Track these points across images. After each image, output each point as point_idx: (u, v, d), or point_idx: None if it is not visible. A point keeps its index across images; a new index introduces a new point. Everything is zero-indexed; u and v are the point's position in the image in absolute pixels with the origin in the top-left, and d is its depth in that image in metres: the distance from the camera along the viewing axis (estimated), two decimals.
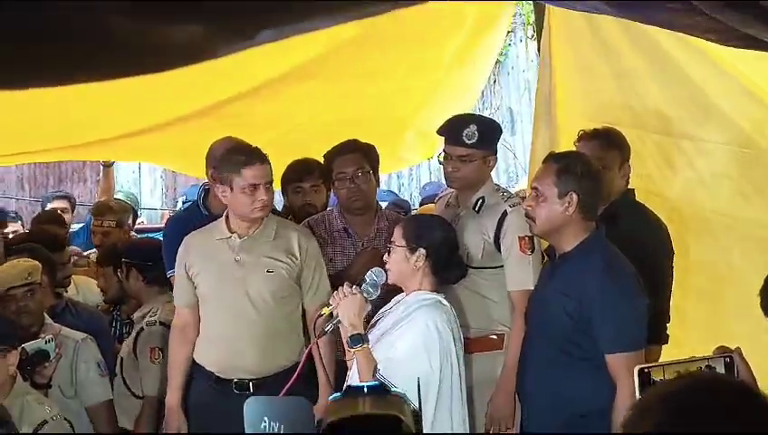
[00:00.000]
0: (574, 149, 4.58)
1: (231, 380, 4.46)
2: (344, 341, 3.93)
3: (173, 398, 4.59)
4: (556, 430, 3.96)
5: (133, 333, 5.06)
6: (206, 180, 4.97)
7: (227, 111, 5.93)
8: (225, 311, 4.47)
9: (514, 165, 9.79)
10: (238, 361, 4.46)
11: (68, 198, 7.85)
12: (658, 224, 4.64)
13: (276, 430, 1.91)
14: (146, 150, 7.08)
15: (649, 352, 4.20)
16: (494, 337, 4.49)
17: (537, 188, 4.02)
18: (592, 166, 4.07)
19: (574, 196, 3.95)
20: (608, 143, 4.62)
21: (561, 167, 4.00)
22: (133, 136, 6.38)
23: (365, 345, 3.86)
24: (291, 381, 3.90)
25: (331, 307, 3.95)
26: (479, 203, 4.55)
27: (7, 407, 3.76)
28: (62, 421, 4.12)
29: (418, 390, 1.96)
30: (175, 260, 4.65)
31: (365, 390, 1.87)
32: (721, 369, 2.80)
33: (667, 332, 4.62)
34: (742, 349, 2.97)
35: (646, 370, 2.71)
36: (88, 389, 4.80)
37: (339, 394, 1.88)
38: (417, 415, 1.81)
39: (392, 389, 1.88)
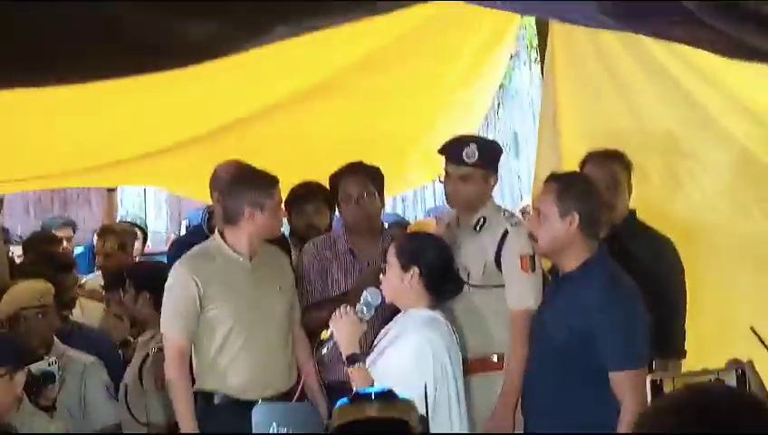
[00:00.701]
0: (577, 170, 4.60)
1: (254, 401, 4.32)
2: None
3: (194, 431, 4.40)
4: None
5: (137, 359, 5.02)
6: (210, 203, 5.00)
7: (230, 135, 5.94)
8: (246, 331, 4.46)
9: (519, 188, 9.79)
10: (262, 379, 4.46)
11: (71, 225, 7.89)
12: (666, 241, 4.64)
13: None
14: (150, 175, 7.10)
15: (674, 367, 4.30)
16: (495, 359, 4.46)
17: (539, 209, 4.06)
18: (593, 185, 4.11)
19: (576, 215, 3.98)
20: (623, 165, 4.64)
21: (562, 186, 4.04)
22: (137, 161, 6.39)
23: (360, 365, 3.90)
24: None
25: (330, 330, 3.99)
26: (480, 222, 4.54)
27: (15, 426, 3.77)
28: None
29: (425, 396, 1.97)
30: None
31: (372, 396, 1.88)
32: (732, 381, 2.80)
33: (685, 347, 4.62)
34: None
35: (658, 381, 2.71)
36: (95, 412, 4.80)
37: (346, 400, 1.90)
38: (425, 421, 1.82)
39: (400, 396, 1.89)
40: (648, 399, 2.67)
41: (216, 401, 4.47)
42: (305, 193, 5.39)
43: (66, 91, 5.45)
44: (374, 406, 1.86)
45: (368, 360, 4.00)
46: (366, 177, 4.90)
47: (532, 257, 4.39)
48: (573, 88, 5.62)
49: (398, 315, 4.07)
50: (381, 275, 4.08)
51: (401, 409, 1.85)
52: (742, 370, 2.83)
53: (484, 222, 4.54)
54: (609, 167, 4.61)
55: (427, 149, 5.44)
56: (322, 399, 4.56)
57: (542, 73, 5.94)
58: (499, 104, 9.77)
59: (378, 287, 4.07)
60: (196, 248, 4.57)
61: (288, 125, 6.05)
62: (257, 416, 1.96)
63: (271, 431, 1.90)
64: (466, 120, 6.58)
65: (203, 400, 4.47)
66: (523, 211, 6.98)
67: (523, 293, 4.39)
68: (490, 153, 4.64)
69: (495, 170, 4.65)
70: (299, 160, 6.00)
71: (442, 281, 4.09)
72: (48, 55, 3.88)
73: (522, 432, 4.29)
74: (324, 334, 4.01)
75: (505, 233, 4.47)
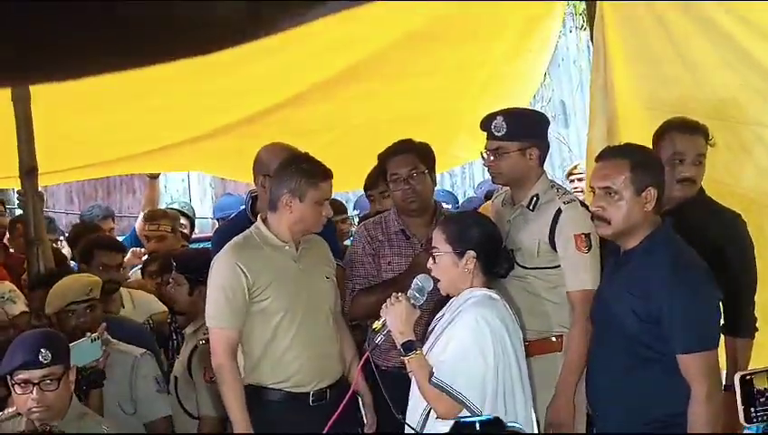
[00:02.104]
0: (632, 141, 4.35)
1: (308, 393, 4.31)
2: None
3: (246, 425, 4.22)
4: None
5: (186, 351, 4.93)
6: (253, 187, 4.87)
7: (276, 117, 5.84)
8: (300, 321, 4.31)
9: (569, 158, 9.59)
10: (319, 370, 4.34)
11: (111, 215, 7.80)
12: (737, 217, 4.44)
13: None
14: (194, 160, 7.05)
15: (743, 345, 4.14)
16: (554, 339, 4.33)
17: (610, 187, 3.77)
18: (659, 157, 3.88)
19: (653, 191, 3.76)
20: (707, 137, 4.40)
21: (637, 161, 3.78)
22: (180, 146, 6.34)
23: (417, 352, 3.79)
24: (349, 395, 3.96)
25: (382, 319, 3.86)
26: (533, 201, 4.39)
27: (64, 428, 3.68)
28: None
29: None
30: None
31: (477, 426, 1.67)
32: None
33: (757, 325, 4.42)
34: None
35: (748, 377, 2.56)
36: (147, 405, 4.71)
37: (446, 431, 1.69)
38: None
39: (508, 424, 1.68)
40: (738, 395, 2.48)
41: (268, 394, 4.32)
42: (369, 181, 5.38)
43: (107, 80, 5.40)
44: None
45: (424, 347, 3.88)
46: (415, 155, 4.74)
47: (588, 236, 4.24)
48: (626, 54, 5.44)
49: (453, 299, 3.93)
50: (431, 264, 3.93)
51: None
52: None
53: (538, 200, 4.38)
54: (696, 140, 4.37)
55: (475, 125, 5.31)
56: (367, 391, 4.43)
57: (592, 40, 5.78)
58: (545, 74, 9.56)
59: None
60: (240, 237, 4.39)
61: (336, 107, 5.96)
62: None
63: None
64: (517, 94, 6.44)
65: (254, 393, 4.30)
66: (571, 173, 6.80)
67: (579, 273, 4.26)
68: (522, 124, 4.44)
69: (535, 143, 4.42)
70: (343, 143, 5.89)
71: (496, 260, 3.97)
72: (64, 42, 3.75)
73: (585, 414, 4.18)
74: (377, 325, 3.88)
75: (558, 211, 4.31)
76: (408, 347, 3.79)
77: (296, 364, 4.31)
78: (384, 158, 4.82)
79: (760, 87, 4.89)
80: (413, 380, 3.87)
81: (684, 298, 3.66)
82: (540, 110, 8.22)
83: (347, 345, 4.54)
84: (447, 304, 3.96)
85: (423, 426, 3.80)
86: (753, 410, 2.90)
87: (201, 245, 7.35)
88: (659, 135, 4.42)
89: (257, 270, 4.27)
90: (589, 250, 4.26)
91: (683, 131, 4.36)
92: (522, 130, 4.41)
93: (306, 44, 5.27)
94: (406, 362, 3.82)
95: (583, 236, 4.25)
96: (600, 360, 3.96)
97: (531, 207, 4.39)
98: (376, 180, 5.51)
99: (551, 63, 9.61)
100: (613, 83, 5.49)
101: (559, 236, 4.30)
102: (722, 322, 3.99)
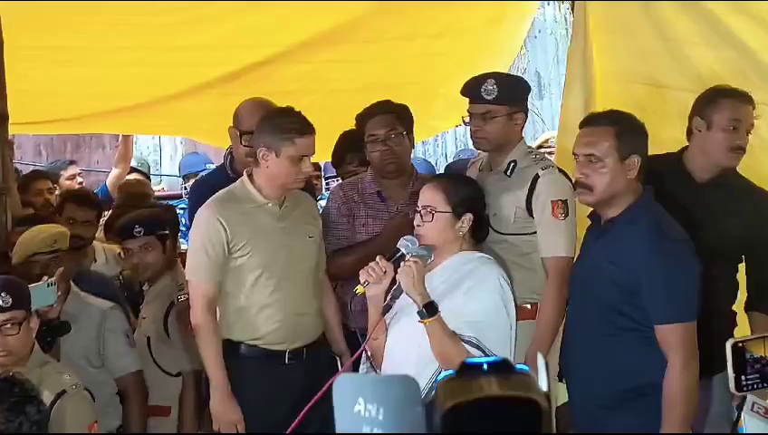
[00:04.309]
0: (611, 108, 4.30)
1: (283, 351, 4.29)
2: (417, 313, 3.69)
3: (223, 385, 4.22)
4: (603, 405, 3.79)
5: (159, 309, 4.90)
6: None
7: (254, 76, 5.77)
8: (277, 279, 4.27)
9: (542, 130, 9.58)
10: (294, 329, 4.30)
11: (74, 164, 7.75)
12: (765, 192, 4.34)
13: (374, 414, 1.61)
14: (169, 122, 6.96)
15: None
16: (528, 306, 4.31)
17: (594, 154, 3.74)
18: (642, 124, 3.85)
19: (636, 159, 3.73)
20: (746, 99, 4.22)
21: (621, 128, 3.74)
22: (156, 105, 6.26)
23: (440, 313, 3.66)
24: (360, 351, 3.84)
25: (364, 284, 3.74)
26: (511, 166, 4.39)
27: (26, 376, 3.64)
28: (82, 391, 4.00)
29: (546, 368, 1.69)
30: None
31: (485, 367, 1.59)
32: None
33: None
34: None
35: (740, 344, 2.55)
36: (116, 360, 4.67)
37: (450, 372, 1.64)
38: (548, 396, 1.58)
39: (517, 366, 1.63)
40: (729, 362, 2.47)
41: (244, 350, 4.31)
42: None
43: (81, 35, 5.34)
44: (492, 381, 1.55)
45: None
46: (393, 116, 4.70)
47: (565, 203, 4.25)
48: (607, 27, 5.43)
49: (446, 262, 3.83)
50: (418, 220, 3.83)
51: (523, 383, 1.55)
52: None
53: (515, 166, 4.39)
54: (750, 109, 4.21)
55: (451, 95, 5.28)
56: (346, 349, 4.44)
57: (572, 12, 5.76)
58: (522, 45, 9.54)
59: (409, 232, 3.86)
60: (224, 191, 4.34)
61: (316, 69, 5.90)
62: (338, 389, 1.63)
63: (356, 409, 1.59)
64: (495, 64, 6.40)
65: (231, 348, 4.29)
66: (541, 146, 6.81)
67: (554, 240, 4.26)
68: (511, 89, 4.46)
69: (521, 108, 4.45)
70: (322, 105, 5.84)
71: (483, 224, 3.94)
72: None
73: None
74: (360, 289, 3.76)
75: (536, 177, 4.31)
76: (433, 309, 3.65)
77: (272, 323, 4.28)
78: (362, 118, 4.77)
79: (739, 64, 4.89)
80: (387, 347, 3.79)
81: (665, 269, 3.64)
82: None
83: (329, 307, 4.51)
84: (441, 267, 3.82)
85: (431, 391, 3.68)
86: (744, 377, 2.89)
87: (168, 203, 7.32)
88: (708, 100, 4.24)
89: (237, 225, 4.23)
90: (565, 217, 4.26)
91: (740, 99, 4.21)
92: (511, 95, 4.41)
93: (285, 5, 5.22)
94: (426, 323, 3.66)
95: (560, 202, 4.25)
96: (577, 328, 3.96)
97: (508, 173, 4.39)
98: (342, 158, 5.42)
99: (527, 35, 9.62)
100: (591, 54, 5.48)
101: (536, 201, 4.29)
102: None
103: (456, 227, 3.81)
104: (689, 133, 4.25)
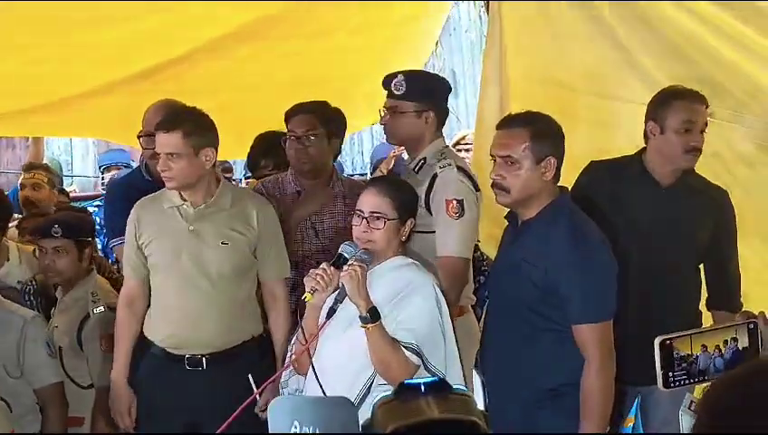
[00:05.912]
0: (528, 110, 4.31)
1: (183, 356, 4.26)
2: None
3: (120, 375, 4.35)
4: (521, 405, 3.80)
5: (74, 319, 4.79)
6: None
7: (167, 74, 5.67)
8: (177, 282, 4.23)
9: (458, 128, 9.62)
10: (192, 335, 4.25)
11: None
12: (725, 191, 4.38)
13: None
14: (78, 122, 6.81)
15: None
16: None
17: (510, 156, 3.74)
18: (559, 126, 3.87)
19: (552, 160, 3.74)
20: (707, 105, 4.24)
21: (537, 131, 3.75)
22: (65, 104, 6.11)
23: (381, 321, 3.61)
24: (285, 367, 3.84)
25: (312, 291, 3.63)
26: (420, 164, 4.40)
27: None
28: None
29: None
30: (118, 228, 4.45)
31: (422, 388, 1.56)
32: (744, 336, 2.68)
33: (741, 299, 4.36)
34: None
35: (668, 341, 2.56)
36: (37, 371, 4.48)
37: (389, 394, 1.60)
38: (485, 415, 1.55)
39: (454, 386, 1.60)
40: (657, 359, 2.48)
41: (153, 349, 4.33)
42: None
43: None
44: (431, 403, 1.52)
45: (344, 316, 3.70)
46: (314, 116, 4.69)
47: (460, 202, 4.24)
48: (519, 29, 5.45)
49: (381, 267, 3.76)
50: (370, 228, 3.71)
51: (462, 404, 1.53)
52: (754, 323, 2.69)
53: (424, 164, 4.39)
54: (703, 109, 4.19)
55: (371, 92, 5.26)
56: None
57: (488, 12, 5.78)
58: (437, 43, 9.55)
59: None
60: (157, 193, 4.35)
61: (230, 66, 5.82)
62: (274, 412, 1.59)
63: (292, 430, 1.55)
64: (410, 61, 6.40)
65: (143, 344, 4.36)
66: (457, 144, 6.82)
67: (447, 239, 4.24)
68: (421, 85, 4.45)
69: (432, 105, 4.43)
70: (237, 103, 5.78)
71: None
72: None
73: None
74: (308, 297, 3.64)
75: (434, 176, 4.31)
76: (376, 314, 3.60)
77: (170, 326, 4.28)
78: (287, 116, 4.77)
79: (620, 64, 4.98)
80: (347, 350, 3.69)
81: (581, 269, 3.66)
82: None
83: (275, 323, 4.39)
84: (369, 272, 3.69)
85: (364, 398, 3.63)
86: (671, 374, 2.91)
87: (82, 204, 7.19)
88: (661, 103, 4.22)
89: (147, 224, 4.28)
90: (459, 217, 4.24)
91: (692, 100, 4.20)
92: (420, 92, 4.41)
93: (198, 4, 5.13)
94: (366, 329, 3.60)
95: (455, 201, 4.24)
96: (496, 329, 3.96)
97: (416, 170, 4.39)
98: (256, 162, 5.41)
99: (443, 33, 9.64)
100: (506, 55, 5.50)
101: (433, 200, 4.29)
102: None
103: (401, 232, 3.78)
104: (646, 137, 4.27)
